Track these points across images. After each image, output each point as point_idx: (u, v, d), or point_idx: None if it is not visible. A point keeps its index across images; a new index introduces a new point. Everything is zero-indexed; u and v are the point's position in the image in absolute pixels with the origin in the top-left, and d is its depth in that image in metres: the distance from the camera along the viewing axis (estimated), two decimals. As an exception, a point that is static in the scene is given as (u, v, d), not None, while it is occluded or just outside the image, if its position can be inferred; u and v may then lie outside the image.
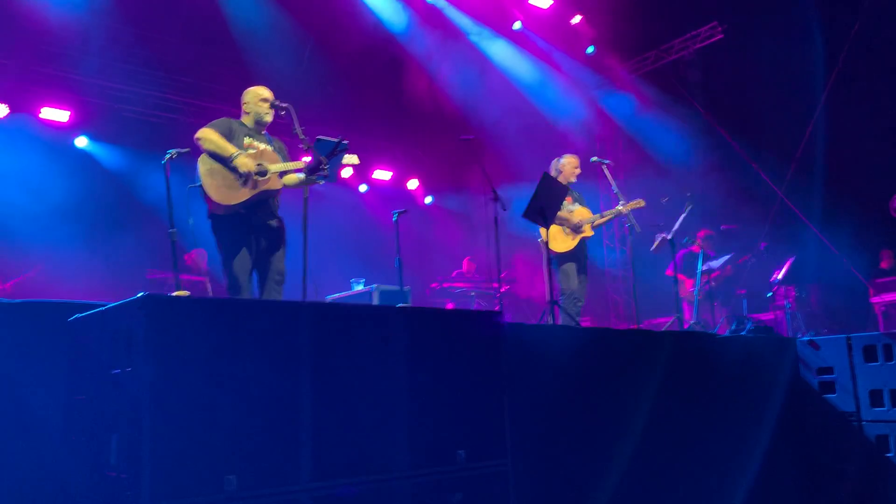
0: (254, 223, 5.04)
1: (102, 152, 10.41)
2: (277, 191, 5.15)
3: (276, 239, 5.15)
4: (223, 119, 5.20)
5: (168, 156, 5.16)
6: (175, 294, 3.73)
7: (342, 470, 2.69)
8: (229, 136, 5.07)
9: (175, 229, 5.11)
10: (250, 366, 2.54)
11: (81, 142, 10.24)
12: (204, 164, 4.99)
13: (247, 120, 5.28)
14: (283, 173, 5.12)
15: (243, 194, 4.95)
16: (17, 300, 3.02)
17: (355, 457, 2.73)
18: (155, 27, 10.30)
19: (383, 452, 2.82)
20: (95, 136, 10.30)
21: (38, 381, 2.92)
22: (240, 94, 5.44)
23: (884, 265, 9.51)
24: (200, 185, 4.97)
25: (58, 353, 2.93)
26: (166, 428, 2.30)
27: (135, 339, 2.38)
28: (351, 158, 5.35)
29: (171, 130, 10.47)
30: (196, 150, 5.10)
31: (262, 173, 4.99)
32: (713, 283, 8.72)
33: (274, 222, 5.16)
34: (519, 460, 3.37)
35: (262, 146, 5.18)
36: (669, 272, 9.15)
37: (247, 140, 5.13)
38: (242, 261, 4.97)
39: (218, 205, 4.94)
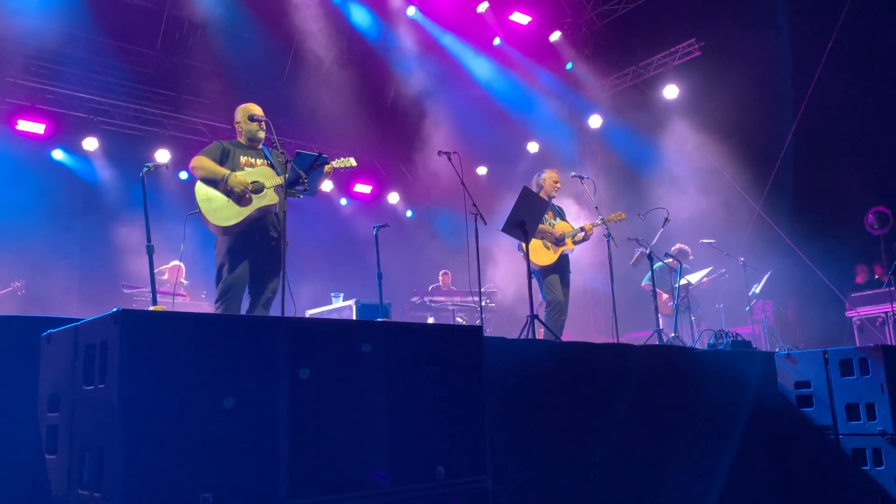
0: (254, 241, 5.05)
1: (79, 165, 10.30)
2: (276, 206, 5.14)
3: (274, 257, 5.13)
4: (215, 144, 5.25)
5: (145, 169, 5.12)
6: (151, 309, 3.69)
7: (320, 486, 2.66)
8: (223, 158, 5.12)
9: (152, 243, 5.06)
10: (227, 382, 2.50)
11: (58, 154, 10.13)
12: (200, 191, 5.04)
13: (241, 139, 5.32)
14: (279, 188, 5.11)
15: (242, 213, 4.98)
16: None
17: (334, 473, 2.71)
18: (134, 40, 10.25)
19: (362, 468, 2.79)
20: (72, 148, 10.20)
21: (11, 397, 2.87)
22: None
23: (859, 280, 9.64)
24: (199, 212, 4.98)
25: (31, 369, 2.88)
26: (140, 446, 2.26)
27: (109, 354, 2.34)
28: (348, 161, 5.35)
29: (149, 143, 10.41)
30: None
31: (258, 190, 5.01)
32: (689, 298, 8.78)
33: (273, 240, 5.15)
34: (499, 476, 3.36)
35: (259, 162, 5.20)
36: (647, 286, 9.20)
37: (243, 159, 5.17)
38: (238, 278, 4.98)
39: (219, 227, 4.98)
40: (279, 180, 5.07)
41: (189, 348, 2.44)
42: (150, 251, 5.07)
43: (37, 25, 9.18)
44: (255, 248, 5.05)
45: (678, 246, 9.35)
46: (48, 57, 9.64)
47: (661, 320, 7.55)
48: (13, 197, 9.10)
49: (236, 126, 5.37)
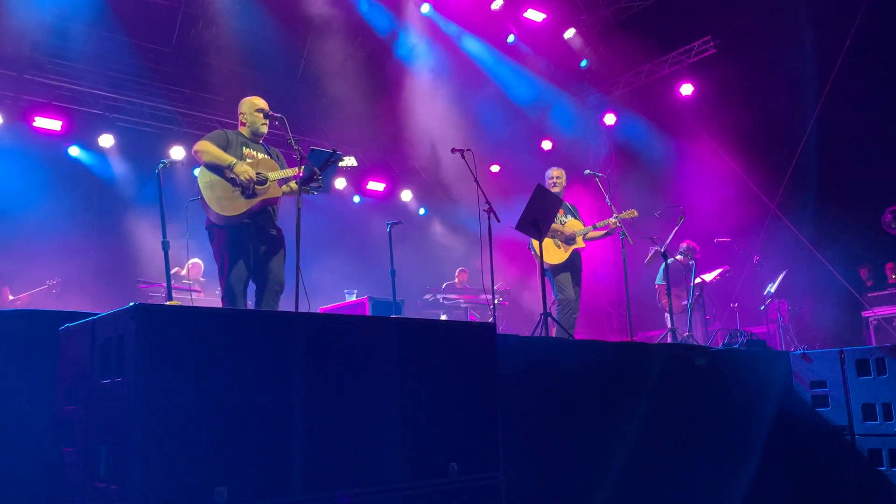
0: (254, 233, 5.03)
1: (95, 161, 10.38)
2: (277, 199, 5.15)
3: (276, 248, 5.13)
4: (219, 131, 5.21)
5: (161, 165, 5.15)
6: (167, 304, 3.71)
7: (334, 482, 2.67)
8: (226, 146, 5.07)
9: (168, 239, 5.09)
10: (242, 376, 2.52)
11: (74, 151, 10.21)
12: (203, 177, 4.99)
13: (244, 130, 5.30)
14: (282, 181, 5.12)
15: (244, 204, 4.95)
16: (7, 309, 3.00)
17: (347, 468, 2.72)
18: (150, 37, 10.31)
19: (375, 464, 2.80)
20: (89, 145, 10.27)
21: (29, 390, 2.89)
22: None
23: (892, 279, 9.47)
24: (201, 198, 4.97)
25: (49, 363, 2.91)
26: (156, 439, 2.27)
27: (126, 349, 2.36)
28: (349, 160, 5.35)
29: (164, 140, 10.47)
30: (191, 162, 5.09)
31: (262, 182, 5.00)
32: (702, 297, 8.75)
33: (273, 232, 5.15)
34: (511, 472, 3.36)
35: (261, 155, 5.20)
36: (662, 286, 9.15)
37: (245, 150, 5.15)
38: (239, 271, 4.96)
39: (219, 216, 4.94)
40: (282, 173, 5.07)
41: (204, 343, 2.46)
42: (165, 247, 5.10)
43: (54, 23, 9.25)
44: (253, 242, 5.02)
45: (686, 243, 9.32)
46: (65, 54, 9.71)
47: (673, 318, 7.51)
48: (30, 193, 9.18)
49: (240, 118, 5.34)
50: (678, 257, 9.02)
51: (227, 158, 4.96)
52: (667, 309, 8.91)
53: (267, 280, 5.07)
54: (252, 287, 5.13)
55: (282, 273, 5.14)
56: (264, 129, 5.28)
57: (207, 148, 4.98)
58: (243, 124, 5.32)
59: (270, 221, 5.14)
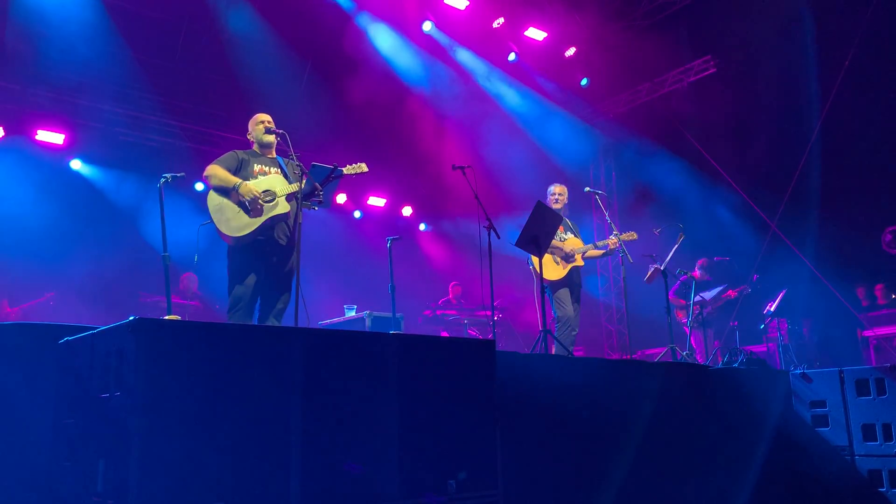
0: (266, 249, 5.08)
1: (97, 175, 10.40)
2: (289, 214, 5.16)
3: (286, 265, 5.16)
4: (230, 153, 5.30)
5: (162, 180, 5.17)
6: (166, 318, 3.71)
7: (332, 498, 2.66)
8: (238, 167, 5.16)
9: (168, 253, 5.10)
10: (241, 392, 2.52)
11: (76, 164, 10.24)
12: (213, 201, 5.09)
13: (255, 147, 5.40)
14: (290, 196, 5.14)
15: (253, 222, 5.01)
16: (7, 322, 3.00)
17: (345, 485, 2.71)
18: (152, 52, 10.36)
19: (373, 480, 2.79)
20: (90, 159, 10.29)
21: (28, 403, 2.89)
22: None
23: (882, 301, 9.49)
24: (212, 222, 5.04)
25: (48, 376, 2.91)
26: (154, 454, 2.27)
27: (125, 363, 2.36)
28: (359, 167, 5.38)
29: (167, 155, 10.49)
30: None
31: (270, 199, 5.04)
32: (704, 315, 8.73)
33: (284, 249, 5.16)
34: (510, 489, 3.34)
35: (274, 170, 5.25)
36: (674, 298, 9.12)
37: (257, 167, 5.22)
38: (247, 287, 5.01)
39: (230, 237, 5.02)
40: (291, 188, 5.10)
41: (204, 358, 2.46)
42: (165, 261, 5.11)
43: (57, 37, 9.30)
44: (266, 258, 5.07)
45: (703, 259, 9.34)
46: (68, 68, 9.76)
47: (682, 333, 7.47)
48: (32, 206, 9.20)
49: (248, 136, 5.46)
50: (697, 272, 9.06)
51: (232, 180, 5.03)
52: (681, 321, 8.92)
53: (272, 298, 5.12)
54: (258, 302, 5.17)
55: (288, 291, 5.17)
56: (267, 139, 5.34)
57: (215, 172, 5.09)
58: (252, 141, 5.42)
59: (284, 236, 5.18)
